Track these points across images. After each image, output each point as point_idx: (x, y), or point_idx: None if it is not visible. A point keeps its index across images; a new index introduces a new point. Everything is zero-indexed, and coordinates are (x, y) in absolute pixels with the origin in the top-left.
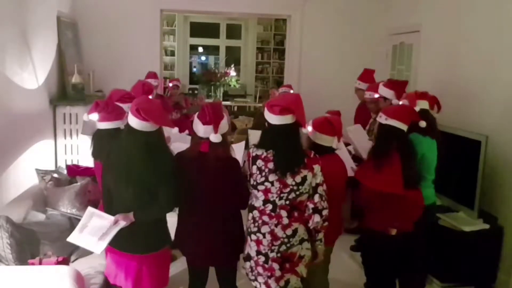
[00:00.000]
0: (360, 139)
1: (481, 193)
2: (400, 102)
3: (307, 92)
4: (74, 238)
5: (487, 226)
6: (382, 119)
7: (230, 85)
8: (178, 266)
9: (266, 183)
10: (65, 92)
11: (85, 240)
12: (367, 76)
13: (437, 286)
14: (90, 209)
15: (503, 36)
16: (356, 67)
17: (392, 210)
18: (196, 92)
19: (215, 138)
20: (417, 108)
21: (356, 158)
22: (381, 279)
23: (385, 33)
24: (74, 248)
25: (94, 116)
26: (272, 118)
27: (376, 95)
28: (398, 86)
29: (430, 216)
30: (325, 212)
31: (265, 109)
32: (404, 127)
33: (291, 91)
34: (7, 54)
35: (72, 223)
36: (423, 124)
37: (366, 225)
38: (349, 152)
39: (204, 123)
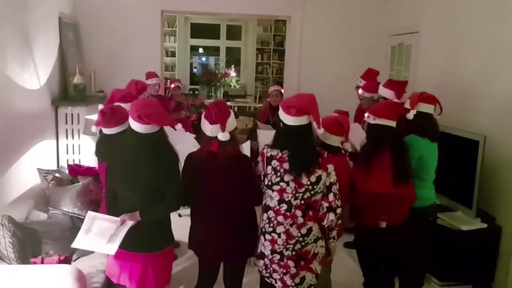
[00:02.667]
0: (359, 137)
1: (479, 193)
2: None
3: (307, 92)
4: (78, 243)
5: (485, 226)
6: (370, 119)
7: (230, 86)
8: (179, 266)
9: (281, 183)
10: (67, 92)
11: (92, 243)
12: (369, 75)
13: (435, 285)
14: (91, 213)
15: (502, 36)
16: (355, 68)
17: (383, 206)
18: (196, 92)
19: (222, 136)
20: (412, 111)
21: (354, 155)
22: (378, 277)
23: (384, 34)
24: (76, 248)
25: (95, 116)
26: (288, 119)
27: (370, 94)
28: (397, 86)
29: (428, 217)
30: (339, 211)
31: (280, 109)
32: (392, 123)
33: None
34: (8, 54)
35: (74, 222)
36: (410, 116)
37: (359, 222)
38: (345, 151)
39: (211, 123)
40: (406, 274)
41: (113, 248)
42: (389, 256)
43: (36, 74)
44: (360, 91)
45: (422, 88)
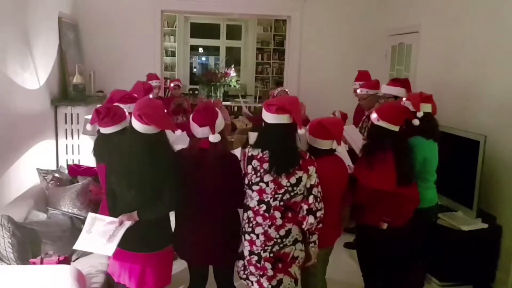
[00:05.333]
0: (355, 138)
1: (480, 193)
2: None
3: (307, 92)
4: (80, 245)
5: (485, 226)
6: (375, 119)
7: (230, 86)
8: (179, 265)
9: (261, 184)
10: (66, 92)
11: (92, 245)
12: (363, 76)
13: (436, 285)
14: (91, 214)
15: (501, 37)
16: (355, 68)
17: (386, 206)
18: (196, 92)
19: (213, 138)
20: (420, 113)
21: (352, 153)
22: (378, 277)
23: (384, 34)
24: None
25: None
26: (269, 117)
27: (367, 91)
28: (407, 83)
29: (431, 218)
30: (319, 214)
31: (263, 108)
32: (395, 128)
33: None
34: (8, 54)
35: (74, 222)
36: (416, 122)
37: (360, 221)
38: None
39: (200, 125)
40: (406, 275)
41: (111, 248)
42: (390, 256)
43: (35, 74)
44: (360, 90)
45: (422, 88)
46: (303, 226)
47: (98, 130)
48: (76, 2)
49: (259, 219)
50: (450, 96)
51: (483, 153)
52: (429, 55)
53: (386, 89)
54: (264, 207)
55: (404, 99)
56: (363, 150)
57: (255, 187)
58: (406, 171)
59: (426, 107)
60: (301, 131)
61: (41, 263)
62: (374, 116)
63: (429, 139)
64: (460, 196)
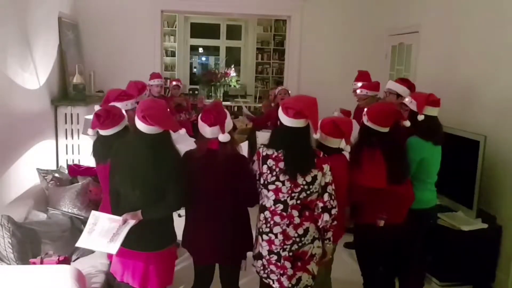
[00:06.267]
0: (355, 134)
1: (480, 193)
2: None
3: (307, 92)
4: (83, 242)
5: (485, 226)
6: (365, 119)
7: (230, 86)
8: (180, 265)
9: (277, 183)
10: (66, 92)
11: (95, 242)
12: (363, 76)
13: (436, 285)
14: (94, 212)
15: (501, 36)
16: (355, 68)
17: (381, 204)
18: (196, 92)
19: (223, 138)
20: (421, 117)
21: None
22: (378, 277)
23: (384, 34)
24: (75, 248)
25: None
26: (285, 120)
27: (366, 92)
28: (413, 88)
29: (429, 219)
30: (334, 211)
31: (279, 108)
32: (384, 130)
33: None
34: (8, 54)
35: (73, 222)
36: (407, 123)
37: (358, 221)
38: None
39: (210, 125)
40: (406, 275)
41: (114, 247)
42: (389, 256)
43: (35, 74)
44: (359, 90)
45: (422, 88)
46: (319, 224)
47: (97, 131)
48: (76, 2)
49: (277, 218)
50: (450, 96)
51: (483, 153)
52: (429, 55)
53: (391, 84)
54: (281, 206)
55: (406, 99)
56: (352, 147)
57: (271, 186)
58: (397, 170)
59: (432, 111)
60: (316, 136)
61: (41, 263)
62: (365, 115)
63: (428, 141)
64: (460, 196)
